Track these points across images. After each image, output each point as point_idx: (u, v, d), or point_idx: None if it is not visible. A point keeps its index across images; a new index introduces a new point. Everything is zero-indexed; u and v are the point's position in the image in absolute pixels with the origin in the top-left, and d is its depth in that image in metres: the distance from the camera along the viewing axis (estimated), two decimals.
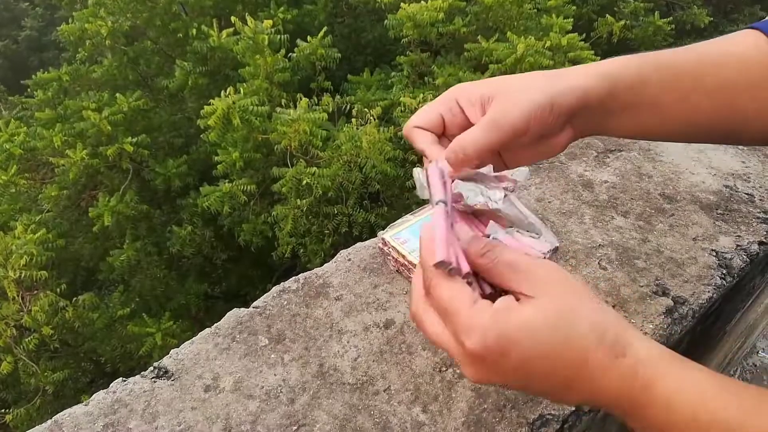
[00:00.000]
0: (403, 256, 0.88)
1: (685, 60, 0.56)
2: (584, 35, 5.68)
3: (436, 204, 0.49)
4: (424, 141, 0.55)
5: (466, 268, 0.46)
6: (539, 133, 0.52)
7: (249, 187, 4.78)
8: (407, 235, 0.91)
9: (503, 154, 0.56)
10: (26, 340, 4.56)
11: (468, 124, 0.54)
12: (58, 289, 4.84)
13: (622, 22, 6.26)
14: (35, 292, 4.73)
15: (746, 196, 1.10)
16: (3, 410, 4.65)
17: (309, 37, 5.10)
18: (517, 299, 0.44)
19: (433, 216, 0.48)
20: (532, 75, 0.54)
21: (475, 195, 0.52)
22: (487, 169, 0.53)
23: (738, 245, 0.99)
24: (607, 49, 6.32)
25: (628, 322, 0.45)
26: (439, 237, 0.46)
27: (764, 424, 0.39)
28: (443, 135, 0.56)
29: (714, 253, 0.97)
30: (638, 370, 0.41)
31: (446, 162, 0.52)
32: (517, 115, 0.51)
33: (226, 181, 4.87)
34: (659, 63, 0.56)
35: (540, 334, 0.41)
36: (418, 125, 0.56)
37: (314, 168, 4.51)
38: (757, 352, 2.27)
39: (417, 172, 0.54)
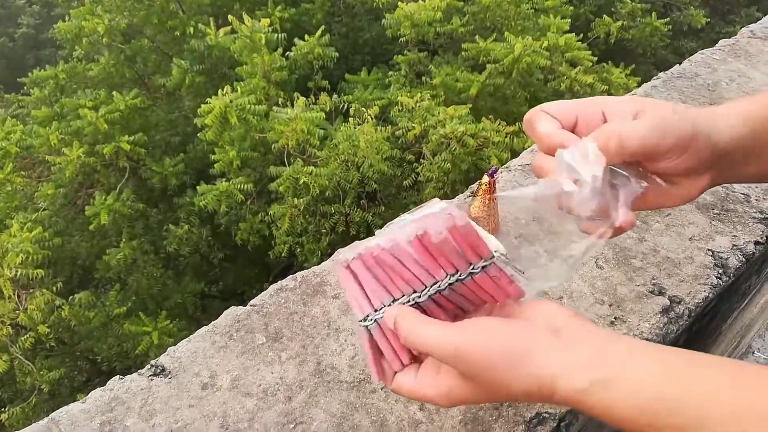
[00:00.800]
0: None
1: None
2: (581, 35, 5.70)
3: (359, 323, 0.54)
4: (550, 126, 0.52)
5: (405, 361, 0.55)
6: (689, 163, 0.50)
7: (246, 186, 4.78)
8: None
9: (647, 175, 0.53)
10: (22, 338, 4.55)
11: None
12: (54, 288, 4.83)
13: (620, 23, 6.28)
14: (31, 290, 4.72)
15: (742, 196, 1.10)
16: None
17: (307, 36, 5.11)
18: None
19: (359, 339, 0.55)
20: (683, 105, 0.54)
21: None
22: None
23: (734, 245, 0.99)
24: (604, 49, 6.34)
25: (554, 343, 0.47)
26: (370, 361, 0.55)
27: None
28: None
29: (710, 253, 0.97)
30: (571, 401, 0.46)
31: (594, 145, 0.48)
32: (682, 128, 0.48)
33: (223, 179, 4.86)
34: None
35: (468, 390, 0.50)
36: (547, 111, 0.53)
37: (311, 167, 4.51)
38: (753, 352, 2.28)
39: (562, 154, 0.49)
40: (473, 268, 0.52)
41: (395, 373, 0.55)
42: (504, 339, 0.48)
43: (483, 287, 0.53)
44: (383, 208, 5.04)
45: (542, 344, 0.47)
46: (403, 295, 0.53)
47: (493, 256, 0.52)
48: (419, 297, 0.53)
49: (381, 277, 0.54)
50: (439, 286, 0.52)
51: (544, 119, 0.52)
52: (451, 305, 0.55)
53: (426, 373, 0.53)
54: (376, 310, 0.54)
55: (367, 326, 0.54)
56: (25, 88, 6.48)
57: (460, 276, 0.52)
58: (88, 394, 0.75)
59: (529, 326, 0.49)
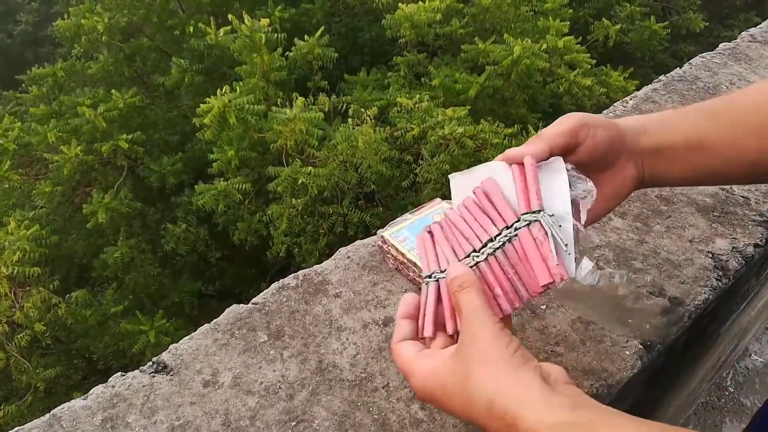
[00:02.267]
0: (403, 255, 0.88)
1: (723, 105, 0.65)
2: (580, 38, 5.70)
3: (428, 280, 0.57)
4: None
5: (429, 333, 0.57)
6: (603, 147, 0.60)
7: (244, 186, 4.77)
8: (407, 234, 0.91)
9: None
10: (18, 336, 4.53)
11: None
12: (51, 286, 4.81)
13: (618, 26, 6.29)
14: (28, 288, 4.70)
15: (742, 199, 1.11)
16: None
17: (306, 36, 5.10)
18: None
19: (426, 293, 0.57)
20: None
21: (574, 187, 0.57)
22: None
23: (734, 247, 1.00)
24: (603, 52, 6.35)
25: (527, 390, 0.48)
26: (429, 314, 0.57)
27: None
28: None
29: (710, 255, 0.98)
30: None
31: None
32: (595, 118, 0.61)
33: (221, 179, 4.85)
34: (702, 108, 0.64)
35: (450, 395, 0.52)
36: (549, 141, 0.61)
37: (310, 167, 4.51)
38: (750, 355, 2.29)
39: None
40: (518, 222, 0.54)
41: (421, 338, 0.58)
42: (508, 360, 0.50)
43: (527, 253, 0.53)
44: (381, 208, 5.04)
45: (532, 382, 0.49)
46: (466, 255, 0.56)
47: (539, 211, 0.53)
48: (478, 256, 0.55)
49: (450, 238, 0.58)
50: (494, 245, 0.54)
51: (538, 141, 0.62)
52: (507, 281, 0.55)
53: (432, 350, 0.56)
54: (441, 270, 0.57)
55: (427, 282, 0.58)
56: (24, 85, 6.45)
57: (510, 233, 0.54)
58: (84, 392, 0.75)
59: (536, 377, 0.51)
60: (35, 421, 0.69)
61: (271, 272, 5.83)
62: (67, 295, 5.00)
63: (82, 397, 0.73)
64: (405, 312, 0.59)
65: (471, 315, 0.52)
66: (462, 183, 0.60)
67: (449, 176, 0.61)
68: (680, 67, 1.45)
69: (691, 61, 1.49)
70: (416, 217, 0.96)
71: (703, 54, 1.51)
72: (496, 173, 0.57)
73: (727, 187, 1.13)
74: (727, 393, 2.17)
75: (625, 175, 0.63)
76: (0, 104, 7.42)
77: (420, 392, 0.54)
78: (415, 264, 0.87)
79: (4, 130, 5.28)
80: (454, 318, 0.55)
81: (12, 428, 0.70)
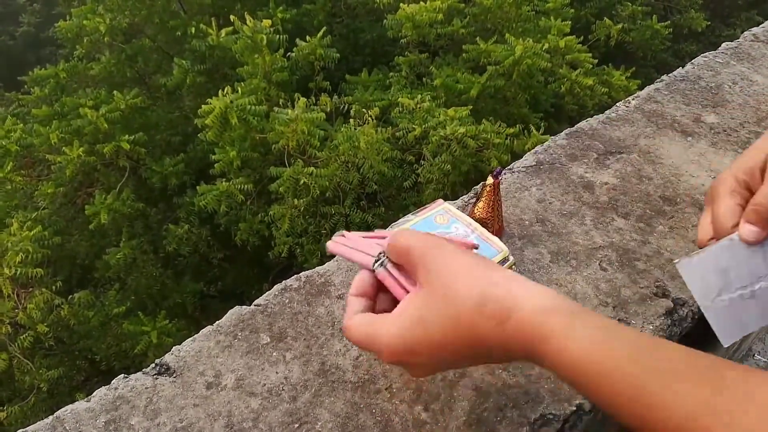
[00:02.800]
0: None
1: None
2: (582, 38, 5.70)
3: (375, 266, 0.59)
4: (728, 209, 0.58)
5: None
6: None
7: (246, 187, 4.78)
8: None
9: None
10: (21, 337, 4.54)
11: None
12: (54, 287, 4.83)
13: (620, 26, 6.29)
14: (30, 289, 4.71)
15: None
16: None
17: (308, 37, 5.11)
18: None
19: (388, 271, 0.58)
20: None
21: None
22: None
23: None
24: (605, 51, 6.35)
25: (514, 274, 0.46)
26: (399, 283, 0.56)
27: (653, 367, 0.40)
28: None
29: None
30: (526, 329, 0.43)
31: None
32: None
33: (223, 180, 4.86)
34: None
35: (431, 327, 0.47)
36: (737, 177, 0.58)
37: (312, 168, 4.51)
38: (753, 355, 2.28)
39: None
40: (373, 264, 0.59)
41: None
42: (472, 260, 0.48)
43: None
44: (383, 209, 5.04)
45: (506, 275, 0.47)
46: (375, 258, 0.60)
47: (378, 259, 0.58)
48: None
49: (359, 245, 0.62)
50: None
51: (724, 199, 0.58)
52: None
53: (391, 314, 0.53)
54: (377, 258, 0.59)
55: (383, 264, 0.58)
56: (26, 86, 6.48)
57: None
58: (86, 393, 0.75)
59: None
60: (38, 423, 0.69)
61: (272, 273, 5.83)
62: (70, 296, 5.01)
63: (85, 399, 0.73)
64: (358, 290, 0.57)
65: (425, 248, 0.50)
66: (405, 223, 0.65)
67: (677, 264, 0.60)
68: (682, 67, 1.45)
69: (693, 60, 1.48)
70: (419, 218, 0.95)
71: (706, 53, 1.51)
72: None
73: None
74: None
75: None
76: (2, 105, 7.44)
77: (392, 349, 0.49)
78: None
79: (6, 131, 5.30)
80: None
81: (15, 429, 0.70)
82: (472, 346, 0.46)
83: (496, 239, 0.81)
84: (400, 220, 0.97)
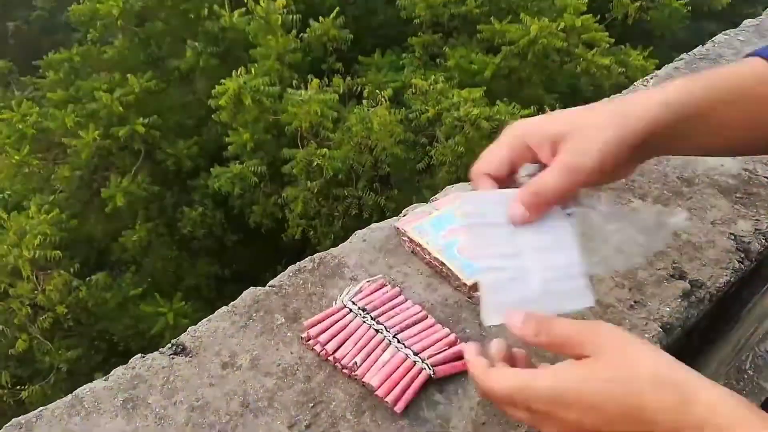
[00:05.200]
0: (428, 252, 0.88)
1: (740, 77, 0.56)
2: (599, 17, 5.60)
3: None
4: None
5: None
6: (612, 169, 0.52)
7: (259, 169, 4.79)
8: (428, 228, 0.90)
9: None
10: (41, 318, 4.63)
11: (536, 161, 0.54)
12: (72, 269, 4.90)
13: (638, 4, 6.16)
14: (49, 271, 4.79)
15: (766, 180, 1.08)
16: (19, 387, 4.74)
17: (321, 18, 5.07)
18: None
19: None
20: (598, 110, 0.54)
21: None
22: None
23: (756, 229, 0.98)
24: (622, 31, 6.23)
25: (698, 373, 0.43)
26: None
27: None
28: (509, 177, 0.55)
29: (732, 237, 0.96)
30: (709, 418, 0.40)
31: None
32: (593, 158, 0.51)
33: (237, 162, 4.88)
34: (718, 86, 0.55)
35: (596, 386, 0.44)
36: (488, 172, 0.54)
37: (325, 149, 4.51)
38: None
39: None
40: None
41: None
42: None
43: None
44: (396, 191, 5.03)
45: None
46: None
47: None
48: None
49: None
50: None
51: (479, 183, 0.54)
52: None
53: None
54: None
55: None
56: (40, 71, 6.51)
57: None
58: (105, 373, 0.76)
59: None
60: (58, 401, 0.70)
61: (286, 256, 5.87)
62: (87, 278, 5.08)
63: (104, 378, 0.74)
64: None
65: (577, 331, 0.47)
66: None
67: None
68: (703, 45, 1.42)
69: (714, 38, 1.45)
70: (438, 212, 0.95)
71: (727, 31, 1.48)
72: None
73: (751, 167, 1.11)
74: (746, 376, 2.15)
75: (629, 168, 0.56)
76: (18, 90, 7.50)
77: (540, 394, 0.46)
78: (431, 253, 0.87)
79: (22, 115, 5.34)
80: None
81: (36, 408, 0.71)
82: (634, 417, 0.42)
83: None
84: (417, 211, 0.96)
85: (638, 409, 0.42)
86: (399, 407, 0.69)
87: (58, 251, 4.67)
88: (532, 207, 0.51)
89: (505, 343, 0.53)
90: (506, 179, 0.55)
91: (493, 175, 0.54)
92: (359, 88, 5.05)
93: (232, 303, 0.84)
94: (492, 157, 0.55)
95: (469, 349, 0.53)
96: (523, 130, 0.55)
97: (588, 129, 0.52)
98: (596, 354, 0.45)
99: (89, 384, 0.73)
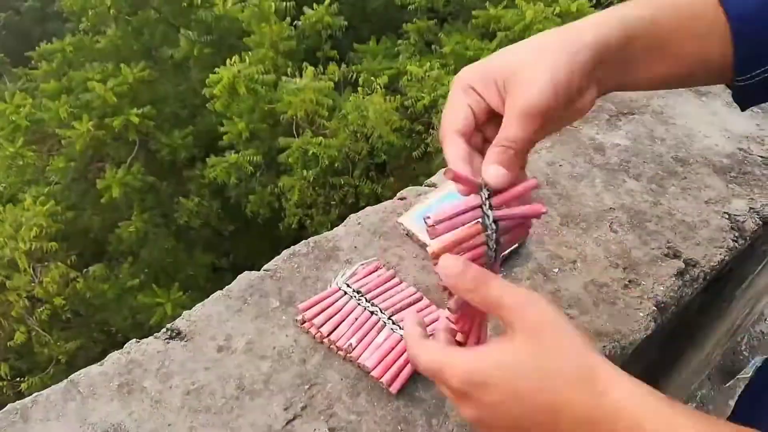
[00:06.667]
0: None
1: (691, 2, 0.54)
2: (594, 1, 5.56)
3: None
4: (457, 157, 0.51)
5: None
6: (567, 100, 0.50)
7: (255, 158, 4.77)
8: (419, 213, 0.91)
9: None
10: (38, 310, 4.62)
11: (490, 109, 0.52)
12: (69, 261, 4.89)
13: None
14: (46, 263, 4.78)
15: (760, 159, 1.08)
16: (18, 379, 4.75)
17: (315, 5, 5.03)
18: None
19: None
20: (540, 40, 0.51)
21: None
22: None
23: (751, 208, 0.98)
24: None
25: (609, 362, 0.43)
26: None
27: None
28: (476, 132, 0.53)
29: (726, 216, 0.96)
30: (620, 411, 0.40)
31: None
32: (544, 96, 0.48)
33: (232, 152, 4.86)
34: (665, 3, 0.53)
35: (518, 369, 0.43)
36: (459, 129, 0.51)
37: (320, 138, 4.49)
38: (765, 319, 2.28)
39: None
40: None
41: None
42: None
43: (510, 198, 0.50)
44: (393, 179, 5.02)
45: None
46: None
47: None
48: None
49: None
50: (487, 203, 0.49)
51: (451, 148, 0.51)
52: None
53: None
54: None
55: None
56: (33, 61, 6.45)
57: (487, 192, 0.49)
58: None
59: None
60: (53, 386, 0.70)
61: (284, 244, 5.85)
62: (85, 270, 5.07)
63: (99, 363, 0.74)
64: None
65: (510, 298, 0.45)
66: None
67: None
68: None
69: None
70: (441, 192, 0.95)
71: None
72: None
73: (745, 146, 1.11)
74: (741, 357, 2.16)
75: (588, 100, 0.52)
76: (11, 81, 7.44)
77: (465, 369, 0.44)
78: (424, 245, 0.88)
79: (16, 106, 5.29)
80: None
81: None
82: (551, 411, 0.42)
83: None
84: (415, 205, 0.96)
85: (553, 404, 0.42)
86: (394, 388, 0.69)
87: (55, 243, 4.66)
88: (505, 162, 0.48)
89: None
90: (473, 135, 0.52)
91: (461, 130, 0.51)
92: (354, 76, 5.02)
93: (227, 287, 0.84)
94: (453, 115, 0.52)
95: (409, 317, 0.52)
96: (468, 76, 0.52)
97: (531, 66, 0.49)
98: (523, 333, 0.44)
99: (84, 369, 0.73)
